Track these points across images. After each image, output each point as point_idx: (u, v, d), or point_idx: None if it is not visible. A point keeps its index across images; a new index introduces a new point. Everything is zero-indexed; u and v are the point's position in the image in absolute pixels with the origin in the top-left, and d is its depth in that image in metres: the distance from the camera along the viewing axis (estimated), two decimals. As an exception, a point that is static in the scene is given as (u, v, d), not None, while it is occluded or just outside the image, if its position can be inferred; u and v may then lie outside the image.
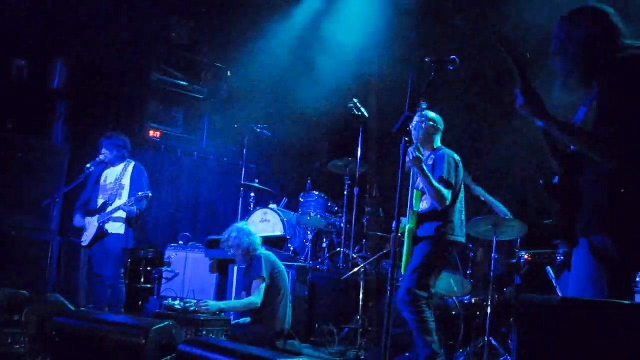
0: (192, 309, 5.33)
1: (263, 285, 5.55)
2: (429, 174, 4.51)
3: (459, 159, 4.79)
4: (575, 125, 2.91)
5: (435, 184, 4.52)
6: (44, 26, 7.95)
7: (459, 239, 4.72)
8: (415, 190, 4.76)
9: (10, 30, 7.73)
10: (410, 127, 4.74)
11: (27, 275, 6.91)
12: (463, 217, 4.79)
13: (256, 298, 5.52)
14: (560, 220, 2.98)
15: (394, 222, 4.67)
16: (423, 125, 4.81)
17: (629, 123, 2.71)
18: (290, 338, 5.65)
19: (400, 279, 4.85)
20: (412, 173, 4.76)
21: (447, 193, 4.55)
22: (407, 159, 4.41)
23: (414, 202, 4.76)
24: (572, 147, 2.96)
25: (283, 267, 5.88)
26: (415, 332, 4.53)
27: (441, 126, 4.97)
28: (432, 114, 4.93)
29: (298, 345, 5.73)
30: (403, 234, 4.71)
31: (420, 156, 4.41)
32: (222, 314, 5.49)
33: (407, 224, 4.72)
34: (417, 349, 4.57)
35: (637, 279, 4.69)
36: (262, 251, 5.82)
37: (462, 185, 4.81)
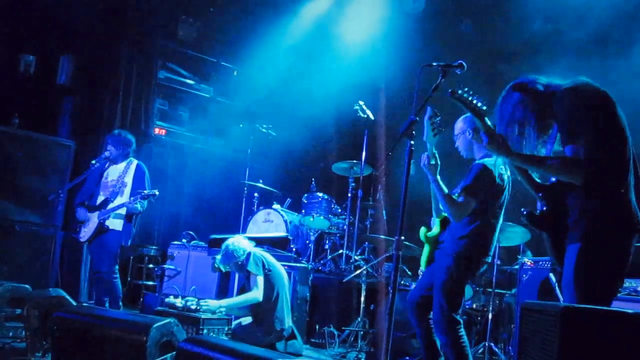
0: (193, 307, 5.34)
1: (260, 279, 5.57)
2: (442, 185, 4.17)
3: (502, 171, 4.30)
4: (538, 155, 3.20)
5: (447, 195, 4.17)
6: (51, 22, 7.97)
7: (484, 259, 4.31)
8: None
9: (18, 26, 7.76)
10: (454, 138, 4.56)
11: (29, 269, 6.92)
12: (494, 234, 4.33)
13: (255, 292, 5.53)
14: (550, 247, 3.16)
15: (432, 222, 4.55)
16: (459, 139, 4.49)
17: (587, 142, 2.95)
18: (292, 338, 5.65)
19: (419, 275, 4.69)
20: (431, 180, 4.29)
21: (462, 207, 4.16)
22: (422, 164, 4.16)
23: (439, 206, 4.43)
24: (551, 178, 3.22)
25: (278, 265, 5.88)
26: (449, 357, 4.18)
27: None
28: (464, 119, 4.48)
29: (298, 346, 5.74)
30: (427, 238, 4.47)
31: (436, 162, 4.13)
32: (223, 312, 5.49)
33: (426, 230, 4.48)
34: None
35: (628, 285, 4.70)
36: (251, 250, 5.81)
37: (501, 203, 4.32)
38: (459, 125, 4.51)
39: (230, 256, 5.70)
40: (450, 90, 3.28)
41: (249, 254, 5.69)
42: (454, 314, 4.20)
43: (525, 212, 3.20)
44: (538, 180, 3.29)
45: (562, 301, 3.13)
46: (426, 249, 4.49)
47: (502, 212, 4.38)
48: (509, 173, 4.35)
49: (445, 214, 4.40)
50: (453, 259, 4.22)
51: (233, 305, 5.70)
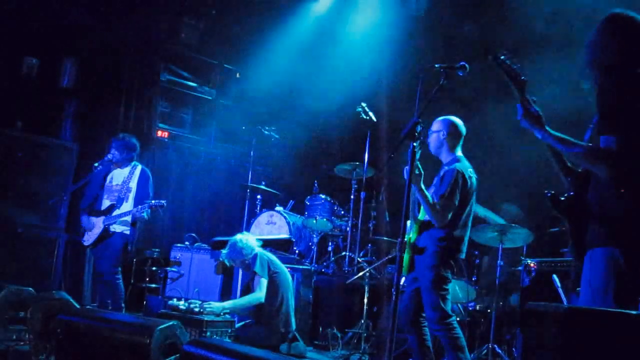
0: (196, 309, 5.34)
1: (263, 281, 5.61)
2: (427, 193, 4.39)
3: (471, 174, 4.58)
4: (571, 138, 2.97)
5: (431, 203, 4.40)
6: (54, 25, 7.98)
7: (459, 255, 4.58)
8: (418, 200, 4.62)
9: (21, 29, 7.77)
10: (427, 139, 4.76)
11: (33, 272, 6.94)
12: (467, 233, 4.61)
13: (258, 293, 5.58)
14: (570, 234, 3.04)
15: (408, 225, 4.72)
16: (432, 136, 4.71)
17: (628, 135, 2.78)
18: (294, 340, 5.65)
19: (403, 284, 4.81)
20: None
21: (445, 212, 4.42)
22: (405, 176, 4.29)
23: (417, 211, 4.67)
24: (580, 164, 3.03)
25: (283, 267, 5.93)
26: (447, 349, 4.42)
27: (456, 131, 4.67)
28: (442, 120, 4.72)
29: (302, 348, 5.73)
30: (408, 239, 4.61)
31: (420, 172, 4.28)
32: (227, 315, 5.50)
33: (408, 234, 4.62)
34: None
35: None
36: (258, 251, 5.86)
37: (470, 204, 4.59)
38: (437, 125, 4.75)
39: (239, 252, 5.74)
40: (491, 55, 3.11)
41: (256, 254, 5.72)
42: (446, 308, 4.41)
43: (549, 194, 3.09)
44: (569, 164, 3.13)
45: (568, 303, 3.09)
46: (406, 255, 4.62)
47: (472, 212, 4.66)
48: (475, 176, 4.63)
49: (421, 219, 4.63)
50: (435, 258, 4.46)
51: (236, 307, 5.71)
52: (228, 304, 5.70)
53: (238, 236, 5.93)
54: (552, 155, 3.15)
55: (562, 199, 3.05)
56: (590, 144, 2.93)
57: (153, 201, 6.14)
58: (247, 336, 5.48)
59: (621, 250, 2.78)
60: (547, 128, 2.97)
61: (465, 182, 4.51)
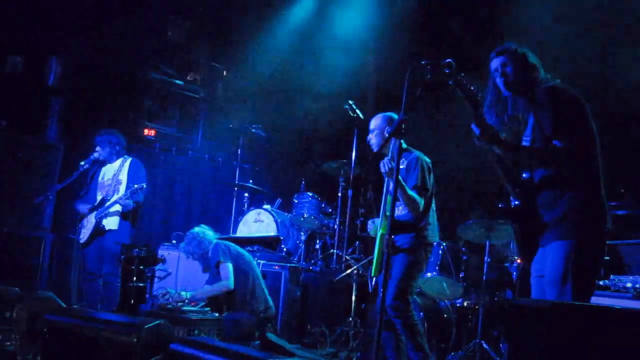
0: (166, 297, 5.39)
1: (229, 266, 5.68)
2: (404, 184, 4.47)
3: (430, 161, 4.74)
4: (529, 146, 3.22)
5: (410, 192, 4.48)
6: (39, 23, 7.92)
7: (433, 240, 4.73)
8: (388, 196, 4.58)
9: (5, 27, 7.70)
10: (370, 134, 4.85)
11: (18, 272, 6.89)
12: (435, 218, 4.79)
13: (228, 280, 5.66)
14: (520, 239, 3.21)
15: (377, 222, 4.76)
16: (373, 134, 4.84)
17: (573, 139, 3.06)
18: (274, 332, 5.70)
19: (373, 283, 4.77)
20: (386, 180, 4.59)
21: (421, 200, 4.53)
22: (382, 170, 4.37)
23: (387, 207, 4.60)
24: (524, 173, 3.24)
25: (241, 250, 6.03)
26: (405, 336, 4.55)
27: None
28: (380, 116, 4.86)
29: (289, 346, 5.74)
30: (381, 235, 4.55)
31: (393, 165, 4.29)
32: (200, 302, 5.53)
33: (378, 229, 4.59)
34: (409, 353, 4.56)
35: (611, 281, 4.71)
36: (214, 241, 5.94)
37: (433, 191, 4.75)
38: (377, 122, 4.85)
39: (197, 244, 5.83)
40: (453, 76, 3.23)
41: (216, 245, 5.83)
42: (405, 296, 4.51)
43: (501, 206, 3.25)
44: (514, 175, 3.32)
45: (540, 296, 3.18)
46: (378, 251, 4.52)
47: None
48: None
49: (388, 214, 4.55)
50: (407, 254, 4.57)
51: (206, 294, 5.76)
52: (197, 291, 5.77)
53: (196, 229, 6.02)
54: (500, 167, 3.31)
55: (512, 208, 3.21)
56: (549, 146, 3.09)
57: (135, 185, 6.13)
58: (231, 323, 5.51)
59: (576, 242, 2.98)
60: (503, 141, 3.15)
61: (430, 169, 4.67)
